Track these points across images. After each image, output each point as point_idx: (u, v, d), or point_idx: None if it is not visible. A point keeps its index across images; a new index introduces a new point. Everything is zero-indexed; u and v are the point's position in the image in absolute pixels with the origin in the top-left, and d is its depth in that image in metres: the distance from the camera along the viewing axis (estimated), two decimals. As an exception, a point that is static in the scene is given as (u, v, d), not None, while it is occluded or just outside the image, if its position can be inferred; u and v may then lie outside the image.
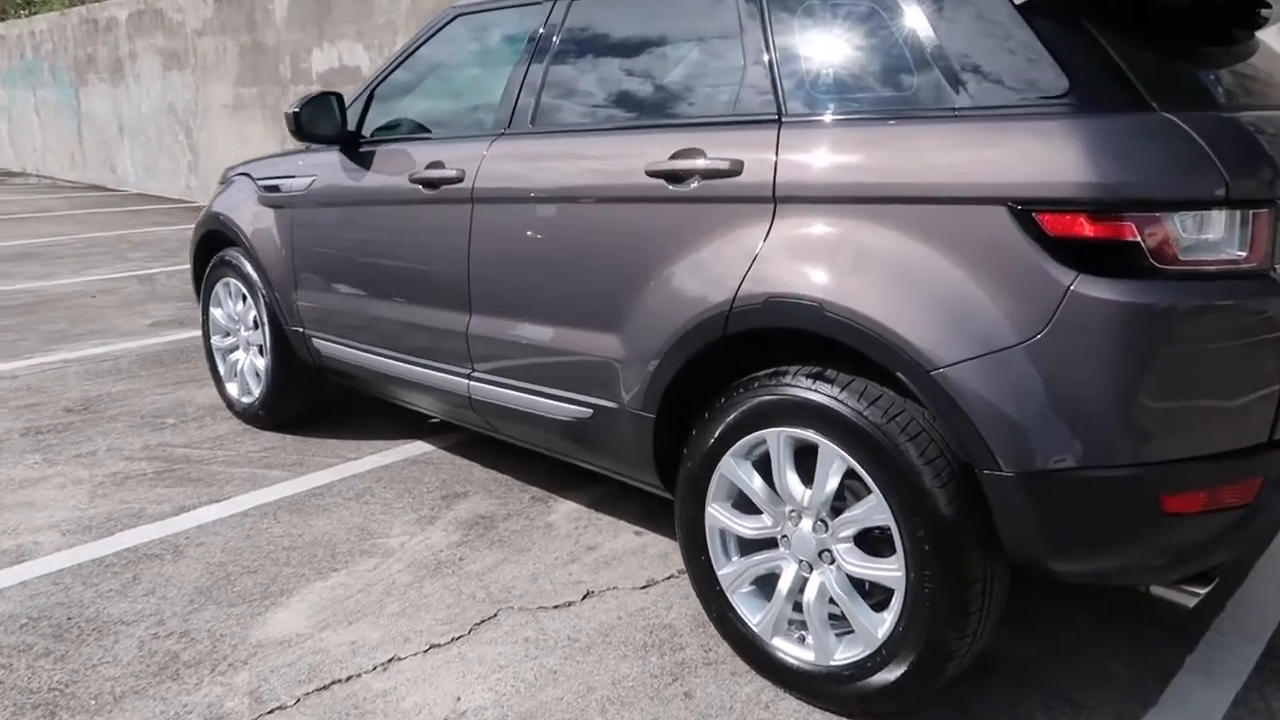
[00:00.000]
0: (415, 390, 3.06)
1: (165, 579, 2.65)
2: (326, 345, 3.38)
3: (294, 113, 3.00)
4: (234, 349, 3.94)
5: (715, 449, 2.12)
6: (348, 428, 3.86)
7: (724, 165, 2.06)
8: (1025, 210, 1.68)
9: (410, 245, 2.91)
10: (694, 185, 2.12)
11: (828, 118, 1.99)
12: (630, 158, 2.26)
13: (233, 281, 3.78)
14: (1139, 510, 1.69)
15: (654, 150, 2.21)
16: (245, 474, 3.39)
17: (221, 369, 3.98)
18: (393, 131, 3.20)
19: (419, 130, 3.16)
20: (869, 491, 1.90)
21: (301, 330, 3.48)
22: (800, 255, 1.94)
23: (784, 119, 2.04)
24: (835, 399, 1.89)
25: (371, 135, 3.22)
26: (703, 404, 2.20)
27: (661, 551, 2.80)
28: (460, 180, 2.68)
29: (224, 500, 3.17)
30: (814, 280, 1.89)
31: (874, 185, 1.85)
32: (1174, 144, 1.63)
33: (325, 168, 3.27)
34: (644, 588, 2.60)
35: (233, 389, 3.93)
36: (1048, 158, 1.67)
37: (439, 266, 2.79)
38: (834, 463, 1.93)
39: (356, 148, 3.18)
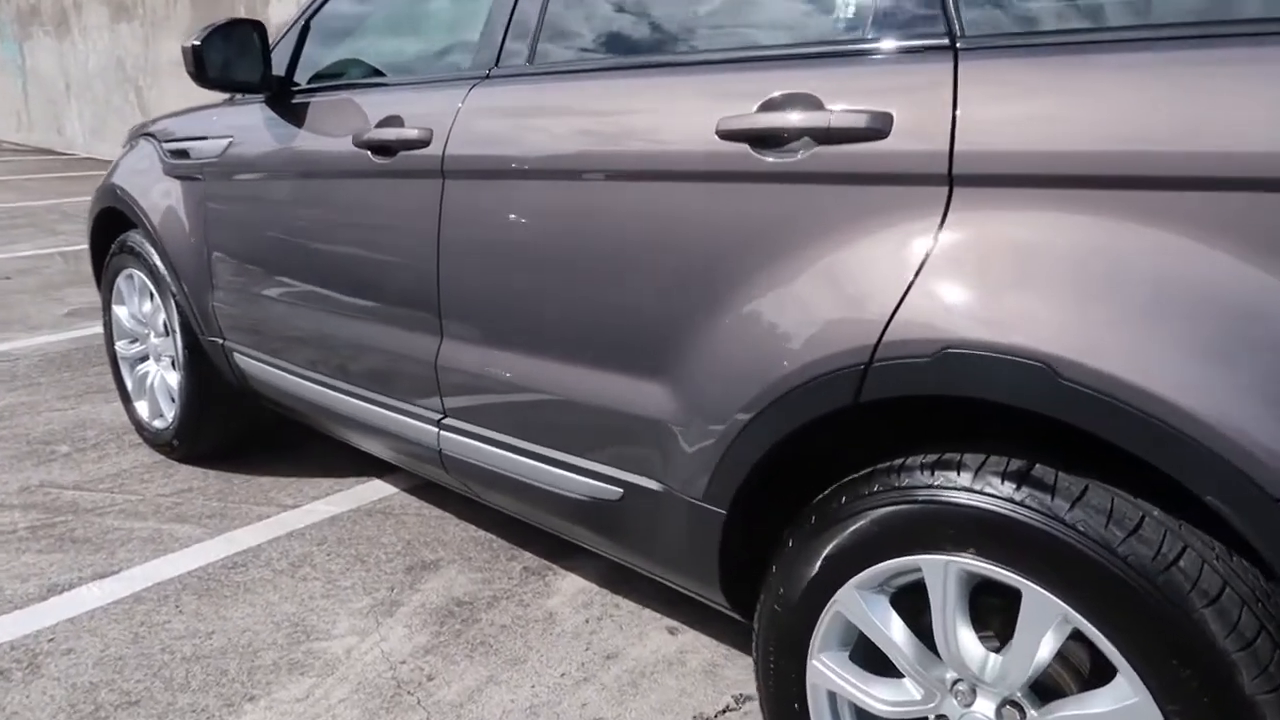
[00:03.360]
0: (366, 433, 2.25)
1: (4, 718, 1.84)
2: (252, 363, 2.56)
3: (193, 47, 2.15)
4: (143, 359, 3.11)
5: (829, 574, 1.34)
6: (287, 459, 3.05)
7: (856, 122, 1.25)
8: None
9: (356, 236, 2.09)
10: (801, 155, 1.31)
11: (1048, 40, 1.18)
12: (692, 112, 1.44)
13: (136, 274, 2.93)
14: None
15: (731, 99, 1.40)
16: (148, 531, 2.57)
17: (128, 383, 3.14)
18: (336, 78, 2.37)
19: (372, 75, 2.32)
20: (1108, 669, 1.12)
21: (220, 342, 2.65)
22: (1005, 277, 1.13)
23: (961, 44, 1.23)
24: (1060, 521, 1.11)
25: (308, 82, 2.38)
26: (800, 495, 1.43)
27: (708, 664, 2.01)
28: (425, 144, 1.85)
29: (113, 574, 2.36)
30: (1036, 322, 1.09)
31: (1149, 158, 1.05)
32: None
33: (245, 127, 2.43)
34: (691, 731, 1.83)
35: (142, 409, 3.09)
36: None
37: (397, 268, 1.97)
38: (1051, 621, 1.15)
39: (287, 99, 2.34)
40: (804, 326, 1.30)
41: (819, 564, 1.35)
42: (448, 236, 1.82)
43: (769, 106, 1.35)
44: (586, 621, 2.17)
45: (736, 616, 1.63)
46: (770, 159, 1.34)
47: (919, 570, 1.26)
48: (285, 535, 2.55)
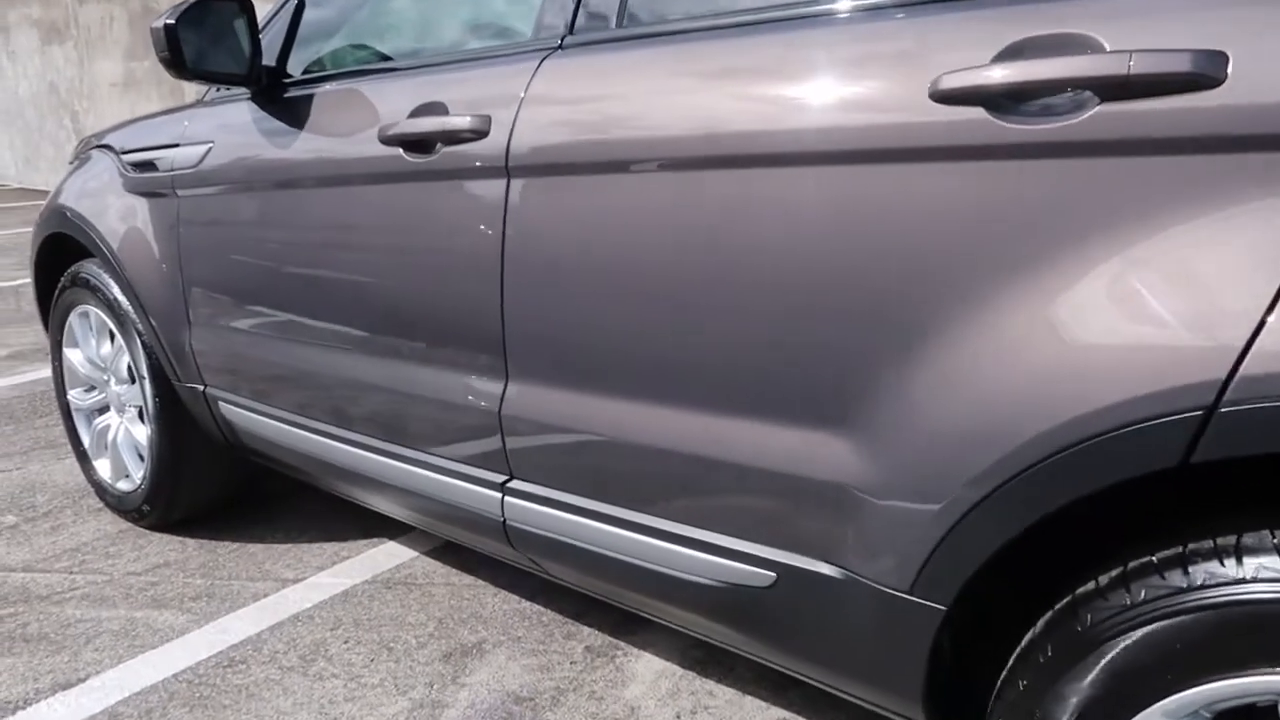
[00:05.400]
0: (398, 498, 1.83)
1: None
2: (242, 414, 2.13)
3: (166, 28, 1.73)
4: (102, 409, 2.65)
5: (1117, 697, 0.97)
6: (281, 522, 2.61)
7: (1170, 66, 0.89)
8: None
9: (381, 255, 1.68)
10: (1075, 117, 0.94)
11: None
12: (887, 69, 1.07)
13: (93, 311, 2.48)
14: None
15: (950, 48, 1.03)
16: (119, 622, 2.12)
17: (85, 438, 2.67)
18: (340, 66, 1.96)
19: (385, 61, 1.92)
20: None
21: (201, 388, 2.21)
22: None
23: (1316, -49, 0.87)
24: None
25: (305, 72, 1.97)
26: (1043, 580, 1.06)
27: (844, 768, 1.63)
28: (482, 135, 1.45)
29: (79, 683, 1.90)
30: None
31: None
32: None
33: (229, 129, 2.01)
34: None
35: (103, 469, 2.63)
36: None
37: (440, 292, 1.57)
38: None
39: (280, 92, 1.92)
40: (1093, 354, 0.92)
41: (1099, 683, 0.98)
42: (515, 251, 1.43)
43: (1015, 54, 0.98)
44: (678, 716, 1.77)
45: None
46: (1021, 125, 0.97)
47: (1269, 694, 0.90)
48: (290, 619, 2.12)
